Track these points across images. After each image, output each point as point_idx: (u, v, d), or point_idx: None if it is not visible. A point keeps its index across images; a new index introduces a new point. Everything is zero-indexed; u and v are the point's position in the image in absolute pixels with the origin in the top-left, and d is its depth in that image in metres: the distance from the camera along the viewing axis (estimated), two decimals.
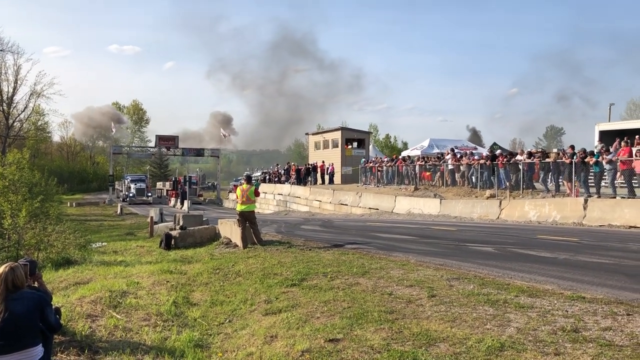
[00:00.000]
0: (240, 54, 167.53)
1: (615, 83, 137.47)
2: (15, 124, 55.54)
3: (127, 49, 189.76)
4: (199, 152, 62.16)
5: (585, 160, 17.98)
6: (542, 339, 4.91)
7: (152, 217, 22.77)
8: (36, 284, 5.61)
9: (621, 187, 17.62)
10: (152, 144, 62.42)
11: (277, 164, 50.54)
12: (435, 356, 4.73)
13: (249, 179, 14.01)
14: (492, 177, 22.24)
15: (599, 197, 17.34)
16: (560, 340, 4.85)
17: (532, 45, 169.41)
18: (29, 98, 55.60)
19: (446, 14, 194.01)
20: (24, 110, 56.51)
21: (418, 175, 27.22)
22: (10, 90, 53.33)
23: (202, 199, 57.04)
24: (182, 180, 47.00)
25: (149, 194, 55.82)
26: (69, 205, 46.56)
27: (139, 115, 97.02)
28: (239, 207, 13.23)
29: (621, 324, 5.28)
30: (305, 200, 34.03)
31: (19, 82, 54.76)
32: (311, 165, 40.06)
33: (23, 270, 4.97)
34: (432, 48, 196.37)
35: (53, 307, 5.40)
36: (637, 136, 22.21)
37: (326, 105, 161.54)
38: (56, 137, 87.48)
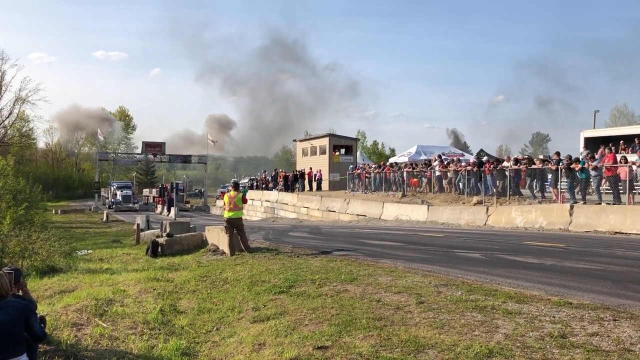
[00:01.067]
0: (230, 59, 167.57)
1: (597, 90, 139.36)
2: None
3: (113, 55, 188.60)
4: (186, 159, 61.91)
5: (571, 166, 18.16)
6: (530, 345, 4.93)
7: (138, 225, 22.59)
8: (21, 293, 5.53)
9: (606, 193, 17.81)
10: (139, 150, 62.11)
11: (265, 171, 50.46)
12: None
13: (236, 186, 13.96)
14: (479, 184, 22.36)
15: (585, 203, 17.50)
16: (547, 346, 4.87)
17: (516, 54, 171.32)
18: (14, 104, 55.29)
19: (432, 23, 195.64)
20: (8, 117, 56.20)
21: (406, 181, 27.33)
22: None
23: (189, 205, 56.71)
24: (169, 187, 46.76)
25: (136, 201, 55.44)
26: (54, 212, 46.11)
27: (125, 122, 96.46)
28: (227, 214, 13.18)
29: (608, 330, 5.31)
30: (292, 207, 33.99)
31: (3, 88, 54.53)
32: (299, 171, 40.05)
33: (7, 278, 4.90)
34: (418, 56, 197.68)
35: (38, 315, 5.33)
36: (621, 142, 22.54)
37: (316, 111, 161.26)
38: (41, 144, 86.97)
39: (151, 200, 59.80)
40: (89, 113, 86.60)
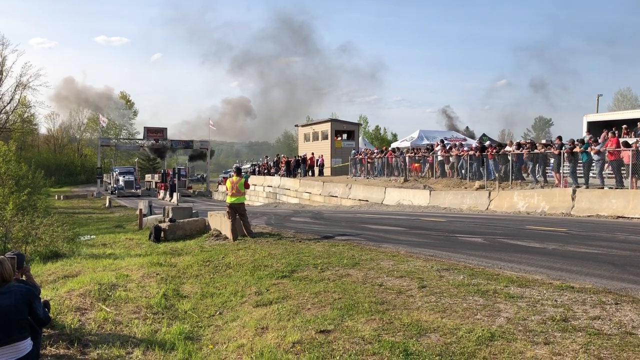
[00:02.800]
0: (235, 43, 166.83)
1: (600, 74, 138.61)
2: (0, 116, 55.06)
3: (114, 40, 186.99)
4: (188, 144, 61.84)
5: (574, 147, 18.11)
6: (532, 329, 4.94)
7: (141, 210, 22.63)
8: (24, 277, 5.56)
9: (609, 177, 17.77)
10: (141, 136, 62.04)
11: (267, 156, 50.43)
12: (426, 346, 4.74)
13: (238, 171, 13.95)
14: (481, 168, 22.33)
15: (587, 187, 17.48)
16: (549, 330, 4.88)
17: (519, 38, 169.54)
18: (15, 90, 55.17)
19: (432, 6, 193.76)
20: (9, 102, 56.07)
21: (408, 166, 27.28)
22: None
23: (191, 191, 56.74)
24: (171, 173, 46.78)
25: (138, 186, 55.53)
26: (56, 198, 46.23)
27: (127, 107, 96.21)
28: (229, 200, 13.19)
29: (609, 313, 5.32)
30: (295, 192, 34.01)
31: (4, 73, 54.33)
32: (301, 157, 40.02)
33: (10, 263, 4.91)
34: (420, 41, 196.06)
35: (42, 300, 5.36)
36: (624, 126, 22.44)
37: (323, 95, 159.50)
38: (43, 130, 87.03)
39: (153, 186, 59.85)
40: (89, 89, 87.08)
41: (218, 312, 7.45)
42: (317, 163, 38.13)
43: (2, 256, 5.00)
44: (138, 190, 54.28)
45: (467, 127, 75.26)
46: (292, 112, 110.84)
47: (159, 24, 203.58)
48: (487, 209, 19.33)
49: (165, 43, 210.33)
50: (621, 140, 18.31)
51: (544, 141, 23.57)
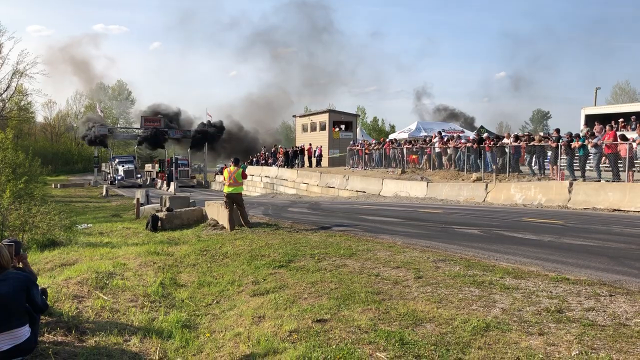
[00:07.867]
0: (237, 34, 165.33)
1: (599, 65, 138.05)
2: None
3: (113, 28, 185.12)
4: (186, 134, 61.62)
5: (571, 144, 18.15)
6: (527, 320, 4.98)
7: (138, 199, 22.63)
8: (21, 265, 5.56)
9: (606, 170, 17.83)
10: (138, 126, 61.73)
11: (264, 146, 50.35)
12: (422, 336, 4.77)
13: (236, 161, 13.95)
14: (478, 161, 22.37)
15: (584, 180, 17.53)
16: (544, 321, 4.92)
17: (522, 30, 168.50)
18: (12, 77, 54.83)
19: None
20: (6, 90, 55.74)
21: (405, 158, 27.31)
22: None
23: (195, 181, 55.11)
24: (170, 162, 46.41)
25: (139, 176, 53.92)
26: (53, 186, 46.17)
27: (124, 96, 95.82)
28: (226, 189, 13.20)
29: (604, 305, 5.36)
30: (292, 183, 34.03)
31: (0, 61, 53.97)
32: (298, 147, 39.99)
33: (7, 250, 4.92)
34: (417, 31, 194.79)
35: (39, 288, 5.37)
36: (620, 120, 22.49)
37: (327, 86, 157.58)
38: (40, 118, 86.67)
39: (154, 176, 58.60)
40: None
41: (215, 301, 7.47)
42: (314, 154, 38.13)
43: None
44: (139, 179, 52.46)
45: (449, 108, 74.34)
46: (296, 102, 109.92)
47: (162, 11, 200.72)
48: (484, 201, 19.38)
49: (168, 31, 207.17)
50: (619, 133, 18.36)
51: (541, 134, 23.59)
